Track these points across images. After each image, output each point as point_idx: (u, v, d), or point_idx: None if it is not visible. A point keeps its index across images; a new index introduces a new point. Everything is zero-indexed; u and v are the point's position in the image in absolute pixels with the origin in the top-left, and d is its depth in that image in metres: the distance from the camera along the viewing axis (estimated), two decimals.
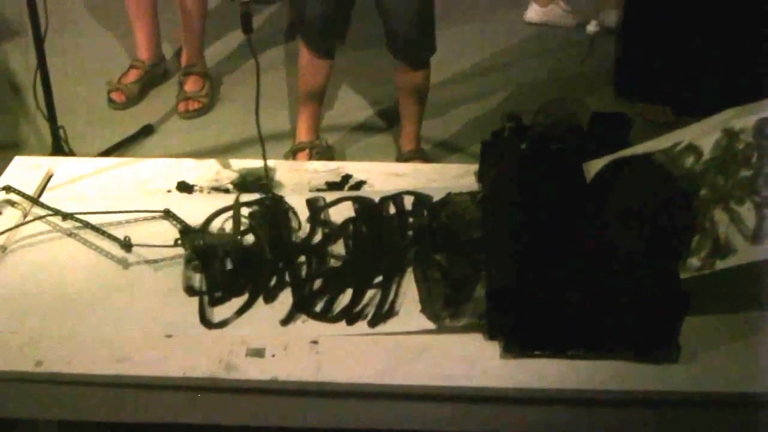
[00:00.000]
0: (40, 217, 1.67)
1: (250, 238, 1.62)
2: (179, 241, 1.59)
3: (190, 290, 1.51)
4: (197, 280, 1.53)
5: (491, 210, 1.56)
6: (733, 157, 1.43)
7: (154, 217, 1.68)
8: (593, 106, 1.70)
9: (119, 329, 1.42)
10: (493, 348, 1.39)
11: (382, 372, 1.35)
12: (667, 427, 1.40)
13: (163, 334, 1.41)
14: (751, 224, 1.37)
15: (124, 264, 1.58)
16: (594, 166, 1.58)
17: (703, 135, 1.48)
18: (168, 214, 1.68)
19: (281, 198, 1.72)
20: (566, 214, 1.48)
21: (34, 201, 1.73)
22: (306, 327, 1.44)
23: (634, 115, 1.70)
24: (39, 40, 2.50)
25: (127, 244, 1.59)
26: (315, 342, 1.40)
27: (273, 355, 1.37)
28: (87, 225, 1.65)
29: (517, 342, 1.37)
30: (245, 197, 1.73)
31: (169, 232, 1.64)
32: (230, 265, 1.56)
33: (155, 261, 1.58)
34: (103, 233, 1.62)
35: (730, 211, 1.40)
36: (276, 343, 1.40)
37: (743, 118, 1.45)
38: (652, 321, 1.35)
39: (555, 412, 1.38)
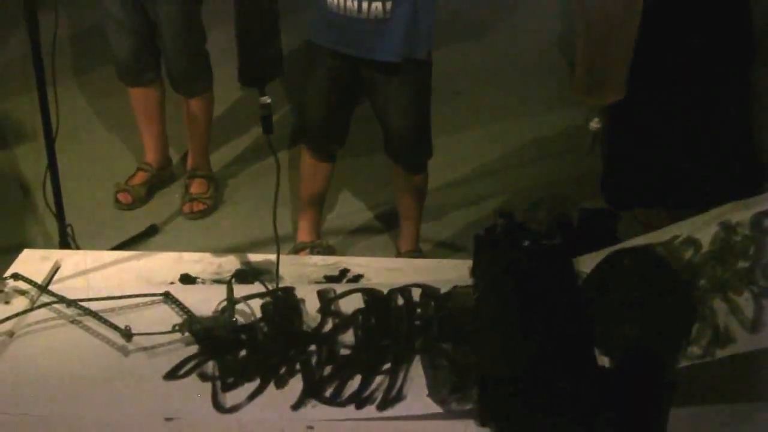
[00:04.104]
0: (46, 304, 1.71)
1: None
2: (177, 327, 1.62)
3: (203, 376, 1.55)
4: (210, 366, 1.57)
5: (485, 303, 1.61)
6: (730, 250, 1.47)
7: (153, 302, 1.71)
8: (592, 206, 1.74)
9: (121, 413, 1.46)
10: None
11: None
12: None
13: (163, 418, 1.45)
14: (750, 314, 1.41)
15: (125, 351, 1.61)
16: (583, 262, 1.63)
17: (701, 228, 1.53)
18: (168, 297, 1.72)
19: (292, 289, 1.76)
20: (556, 307, 1.53)
21: (42, 289, 1.76)
22: (313, 412, 1.46)
23: (629, 218, 1.74)
24: (50, 141, 2.56)
25: (127, 334, 1.62)
26: (311, 427, 1.43)
27: None
28: (90, 312, 1.68)
29: (508, 429, 1.40)
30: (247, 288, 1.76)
31: (168, 318, 1.67)
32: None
33: (153, 347, 1.61)
34: (105, 322, 1.66)
35: (728, 301, 1.43)
36: (273, 429, 1.42)
37: (740, 212, 1.50)
38: (639, 409, 1.37)
39: None
